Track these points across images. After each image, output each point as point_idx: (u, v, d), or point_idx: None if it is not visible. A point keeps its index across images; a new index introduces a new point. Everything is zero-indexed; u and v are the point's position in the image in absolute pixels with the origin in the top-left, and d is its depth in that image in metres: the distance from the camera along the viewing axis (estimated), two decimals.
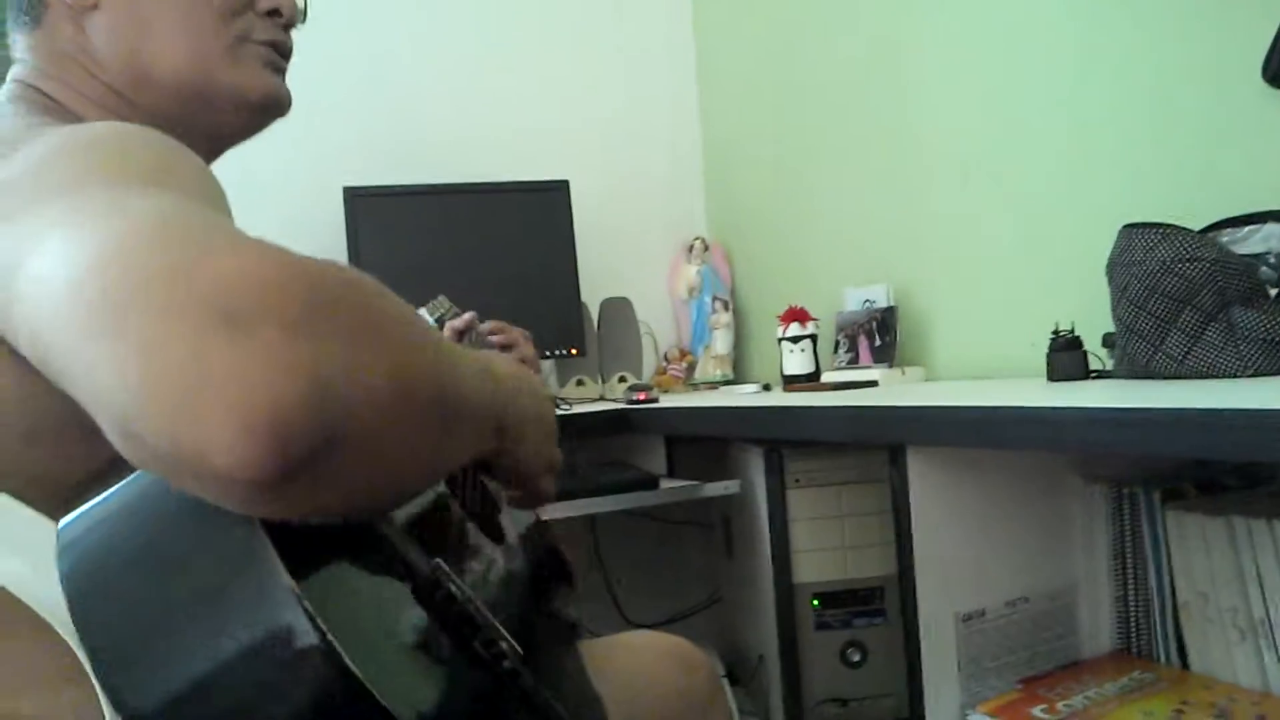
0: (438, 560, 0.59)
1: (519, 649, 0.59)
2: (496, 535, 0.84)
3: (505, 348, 1.32)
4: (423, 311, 1.31)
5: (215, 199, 0.63)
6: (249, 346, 0.42)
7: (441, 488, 0.79)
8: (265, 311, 0.43)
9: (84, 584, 0.49)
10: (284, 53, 0.94)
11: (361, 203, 2.15)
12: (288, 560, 0.46)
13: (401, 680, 0.50)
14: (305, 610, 0.44)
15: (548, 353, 2.22)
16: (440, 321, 1.30)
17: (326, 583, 0.50)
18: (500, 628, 0.59)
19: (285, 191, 2.20)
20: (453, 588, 0.58)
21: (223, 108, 0.89)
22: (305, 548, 0.48)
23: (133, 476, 0.51)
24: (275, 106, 0.93)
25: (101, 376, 0.44)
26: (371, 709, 0.44)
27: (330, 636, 0.44)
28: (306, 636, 0.44)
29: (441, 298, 1.32)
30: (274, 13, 0.92)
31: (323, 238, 2.18)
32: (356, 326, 0.48)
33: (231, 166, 0.94)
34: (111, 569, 0.50)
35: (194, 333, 0.42)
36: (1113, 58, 1.56)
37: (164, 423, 0.42)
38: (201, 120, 0.88)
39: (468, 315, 1.29)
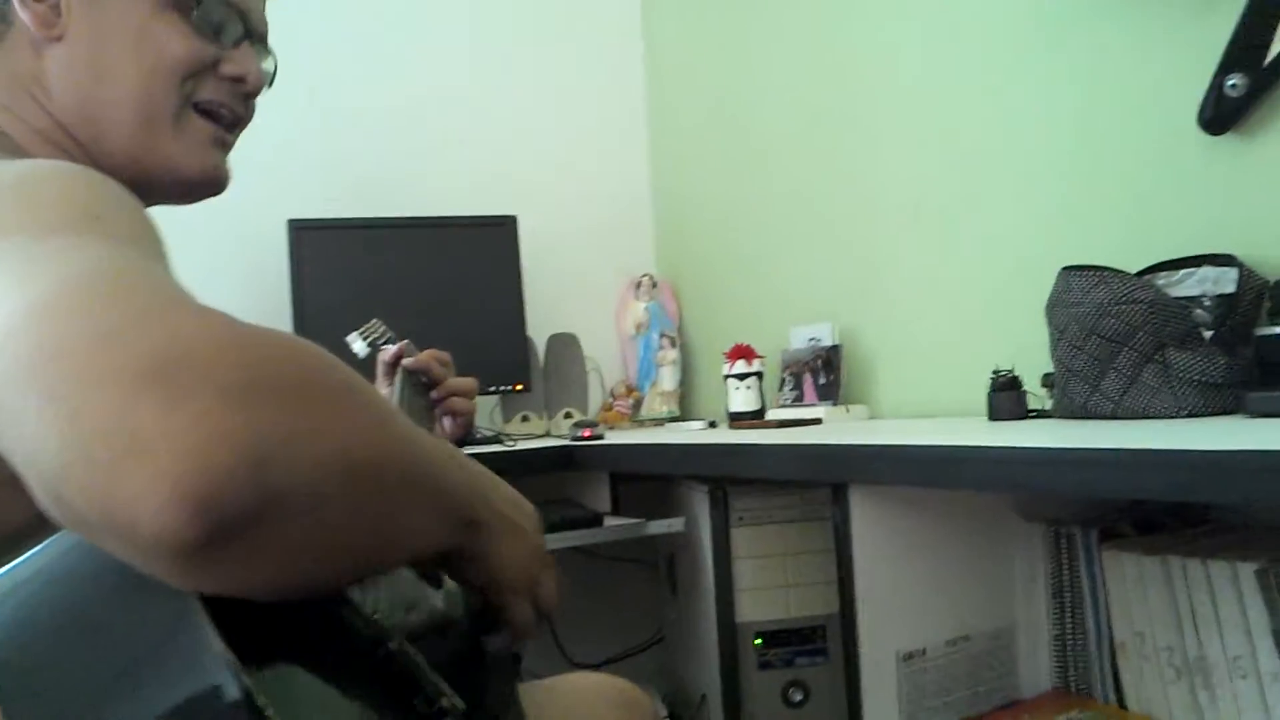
0: (377, 617, 0.57)
1: (460, 705, 0.58)
2: (435, 580, 0.83)
3: (431, 382, 1.29)
4: (354, 336, 1.29)
5: (153, 245, 0.60)
6: (182, 413, 0.41)
7: None
8: (202, 378, 0.42)
9: (5, 648, 0.47)
10: (235, 120, 0.91)
11: (306, 235, 2.13)
12: (220, 621, 0.45)
13: None
14: (237, 676, 0.43)
15: (493, 388, 2.20)
16: (373, 345, 1.28)
17: (261, 644, 0.48)
18: (442, 684, 0.57)
19: (229, 223, 2.16)
20: (393, 645, 0.57)
21: (157, 174, 0.86)
22: (239, 608, 0.47)
23: (63, 532, 0.50)
24: (208, 186, 0.90)
25: (28, 437, 0.43)
26: None
27: (264, 705, 0.43)
28: (238, 703, 0.43)
29: (375, 321, 1.31)
30: (237, 80, 0.89)
31: (266, 270, 2.16)
32: (300, 397, 0.46)
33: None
34: (37, 633, 0.47)
35: (125, 398, 0.41)
36: (1054, 104, 1.59)
37: (91, 489, 0.41)
38: (135, 177, 0.84)
39: (397, 346, 1.27)
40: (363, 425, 0.51)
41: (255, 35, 0.91)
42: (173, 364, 0.42)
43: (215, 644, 0.44)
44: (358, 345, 1.29)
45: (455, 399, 1.30)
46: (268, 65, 0.94)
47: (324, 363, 0.50)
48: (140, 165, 0.84)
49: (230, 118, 0.90)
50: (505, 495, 0.71)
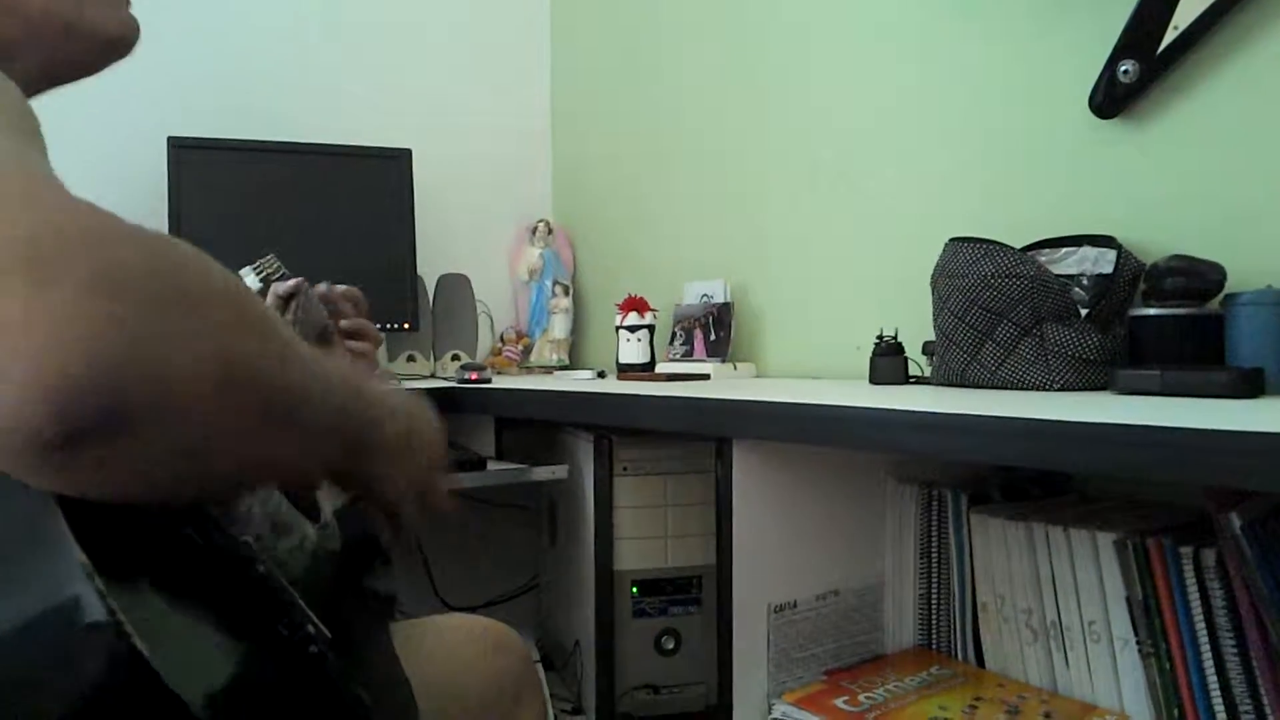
0: (246, 538, 0.56)
1: (327, 633, 0.57)
2: (312, 511, 0.81)
3: (352, 334, 1.28)
4: (247, 270, 1.25)
5: (32, 135, 0.59)
6: (45, 299, 0.40)
7: None
8: (69, 266, 0.41)
9: None
10: None
11: (187, 155, 2.04)
12: (81, 531, 0.43)
13: (195, 658, 0.48)
14: (95, 586, 0.42)
15: (379, 326, 2.15)
16: (266, 281, 1.24)
17: (122, 556, 0.47)
18: (308, 610, 0.56)
19: (104, 136, 2.07)
20: (261, 568, 0.55)
21: (79, 41, 0.83)
22: (101, 519, 0.45)
23: None
24: (124, 43, 0.88)
25: None
26: (157, 688, 0.42)
27: (119, 613, 0.42)
28: (95, 612, 0.42)
29: (270, 256, 1.27)
30: None
31: (141, 188, 2.06)
32: (174, 299, 0.45)
33: (47, 105, 0.87)
34: None
35: None
36: (950, 79, 1.61)
37: None
38: (51, 52, 0.82)
39: (294, 281, 1.23)
40: (250, 340, 0.49)
41: None
42: (43, 249, 0.41)
43: (74, 550, 0.42)
44: (250, 279, 1.25)
45: (355, 340, 1.28)
46: None
47: (204, 266, 0.48)
48: (65, 34, 0.81)
49: None
50: (403, 417, 0.71)
